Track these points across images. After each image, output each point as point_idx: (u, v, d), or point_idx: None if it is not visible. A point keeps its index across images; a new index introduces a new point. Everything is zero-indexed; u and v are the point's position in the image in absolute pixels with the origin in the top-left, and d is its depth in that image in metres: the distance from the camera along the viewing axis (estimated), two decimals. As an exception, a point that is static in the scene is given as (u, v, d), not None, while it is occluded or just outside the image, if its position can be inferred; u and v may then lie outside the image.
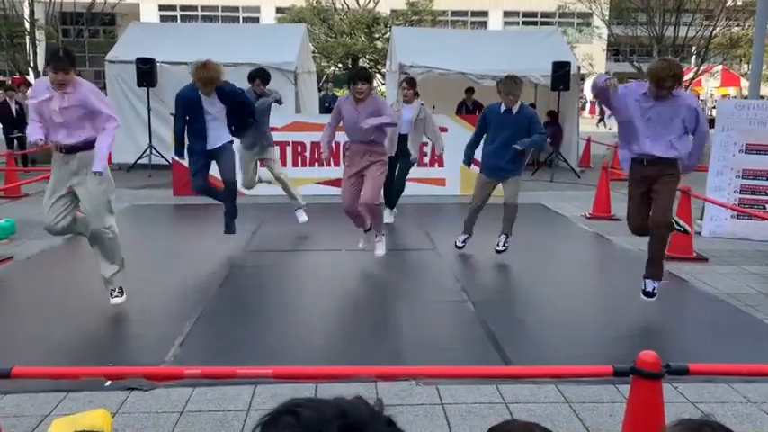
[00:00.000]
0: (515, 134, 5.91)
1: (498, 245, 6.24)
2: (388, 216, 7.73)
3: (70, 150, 4.52)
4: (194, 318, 4.62)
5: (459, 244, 6.45)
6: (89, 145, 4.53)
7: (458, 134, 10.20)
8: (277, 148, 8.05)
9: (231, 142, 6.48)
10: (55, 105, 4.37)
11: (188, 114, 6.16)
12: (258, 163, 7.63)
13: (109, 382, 3.50)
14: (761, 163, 7.42)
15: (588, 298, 5.41)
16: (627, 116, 4.73)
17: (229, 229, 6.66)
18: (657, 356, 2.45)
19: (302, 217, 7.68)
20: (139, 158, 11.88)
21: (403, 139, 7.51)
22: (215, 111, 6.15)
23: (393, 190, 7.83)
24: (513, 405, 3.39)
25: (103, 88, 13.74)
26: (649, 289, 4.90)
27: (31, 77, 14.56)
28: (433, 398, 3.45)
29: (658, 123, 4.66)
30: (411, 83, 7.71)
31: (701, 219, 7.77)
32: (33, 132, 4.52)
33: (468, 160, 6.39)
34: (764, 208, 7.41)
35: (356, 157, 5.76)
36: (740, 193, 7.53)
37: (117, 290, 4.79)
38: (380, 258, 6.02)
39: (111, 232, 4.74)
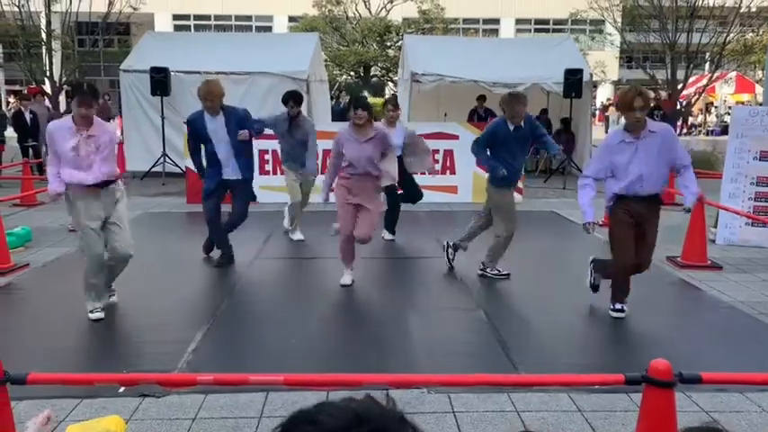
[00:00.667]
0: (526, 145, 6.04)
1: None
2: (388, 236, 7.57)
3: (98, 186, 4.58)
4: (207, 325, 4.65)
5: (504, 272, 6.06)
6: (113, 179, 4.65)
7: (469, 142, 10.14)
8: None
9: (250, 179, 6.32)
10: (82, 150, 4.42)
11: (195, 136, 6.13)
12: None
13: (123, 389, 3.53)
14: (775, 170, 7.37)
15: (600, 306, 5.38)
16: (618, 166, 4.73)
17: (221, 262, 6.33)
18: (669, 365, 2.43)
19: (297, 235, 7.53)
20: (153, 166, 11.98)
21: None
22: (222, 132, 5.98)
23: (409, 197, 7.57)
24: (525, 413, 3.38)
25: (118, 97, 13.90)
26: (619, 307, 4.96)
27: (46, 87, 14.74)
28: (445, 406, 3.45)
29: (647, 159, 4.63)
30: (397, 103, 7.41)
31: (716, 226, 7.71)
32: (53, 182, 4.59)
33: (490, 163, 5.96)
34: (779, 215, 7.34)
35: (356, 187, 5.47)
36: (755, 201, 7.47)
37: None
38: (390, 266, 6.03)
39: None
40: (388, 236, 7.51)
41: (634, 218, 4.77)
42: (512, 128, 5.71)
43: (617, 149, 4.70)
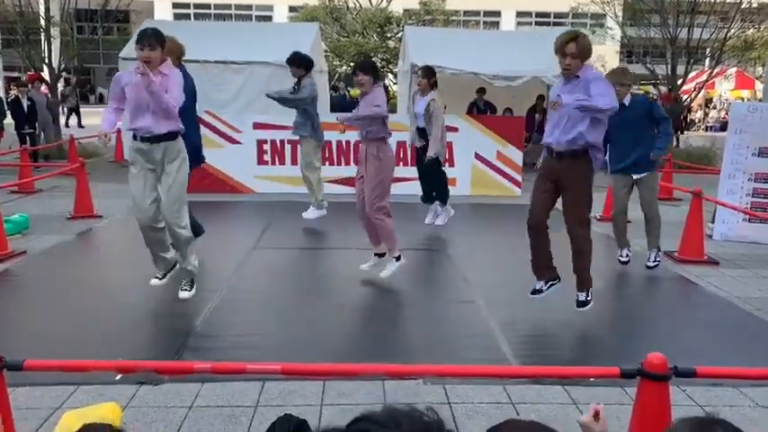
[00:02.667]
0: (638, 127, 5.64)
1: (649, 260, 6.06)
2: (442, 216, 7.60)
3: (155, 140, 4.46)
4: (204, 313, 4.66)
5: (624, 259, 6.14)
6: (173, 135, 4.51)
7: (468, 134, 10.21)
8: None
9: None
10: (142, 87, 4.28)
11: None
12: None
13: (119, 376, 3.54)
14: (774, 166, 7.37)
15: (597, 299, 5.40)
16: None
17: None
18: (665, 358, 2.44)
19: (311, 214, 7.65)
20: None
21: (421, 132, 7.21)
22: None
23: (429, 190, 7.53)
24: (520, 405, 3.39)
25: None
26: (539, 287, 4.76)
27: (45, 74, 14.67)
28: (440, 397, 3.46)
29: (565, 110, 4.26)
30: (426, 72, 7.17)
31: (713, 222, 7.72)
32: (107, 120, 4.55)
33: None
34: (777, 212, 7.35)
35: (361, 156, 5.52)
36: (752, 197, 7.49)
37: (186, 282, 4.91)
38: (389, 259, 5.99)
39: (188, 231, 4.72)
40: (441, 218, 7.59)
41: (550, 177, 4.50)
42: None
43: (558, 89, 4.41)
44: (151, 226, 4.61)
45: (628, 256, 6.16)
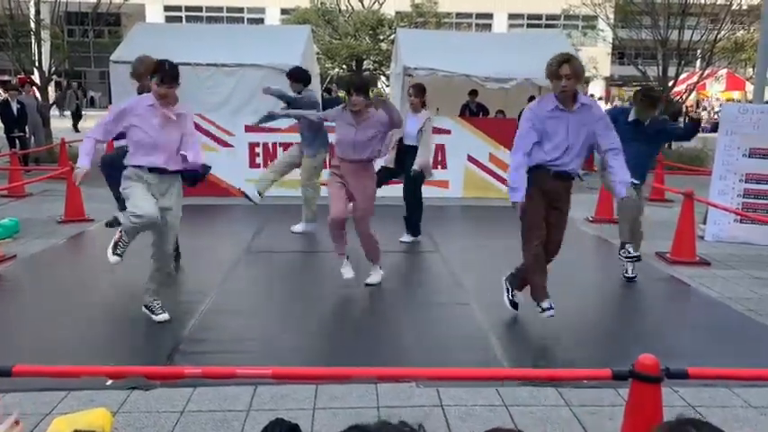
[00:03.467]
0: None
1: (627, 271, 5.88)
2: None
3: (166, 174, 4.36)
4: (195, 318, 4.64)
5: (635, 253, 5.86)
6: (180, 171, 4.44)
7: (460, 136, 10.23)
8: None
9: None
10: (166, 127, 4.23)
11: None
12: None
13: (110, 382, 3.51)
14: (764, 167, 7.42)
15: (590, 301, 5.41)
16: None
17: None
18: (656, 360, 2.44)
19: (299, 228, 7.50)
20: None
21: (409, 150, 6.83)
22: None
23: (409, 209, 7.16)
24: (513, 408, 3.39)
25: (108, 88, 13.80)
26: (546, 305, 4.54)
27: (35, 77, 14.61)
28: (433, 400, 3.45)
29: (572, 134, 4.32)
30: (418, 91, 6.89)
31: (705, 223, 7.76)
32: (87, 152, 4.26)
33: None
34: (768, 212, 7.39)
35: (351, 171, 5.26)
36: (743, 197, 7.53)
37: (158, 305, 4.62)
38: (383, 260, 5.98)
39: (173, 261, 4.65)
40: (406, 238, 7.17)
41: (547, 198, 4.43)
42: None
43: (547, 116, 4.33)
44: (153, 223, 4.33)
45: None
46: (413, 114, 6.84)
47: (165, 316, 4.55)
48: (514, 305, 4.78)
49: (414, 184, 7.02)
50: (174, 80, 4.26)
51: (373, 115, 5.14)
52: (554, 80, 4.29)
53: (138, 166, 4.32)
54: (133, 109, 4.29)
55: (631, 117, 5.63)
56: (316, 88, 15.73)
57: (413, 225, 7.18)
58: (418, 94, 6.86)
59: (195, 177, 4.60)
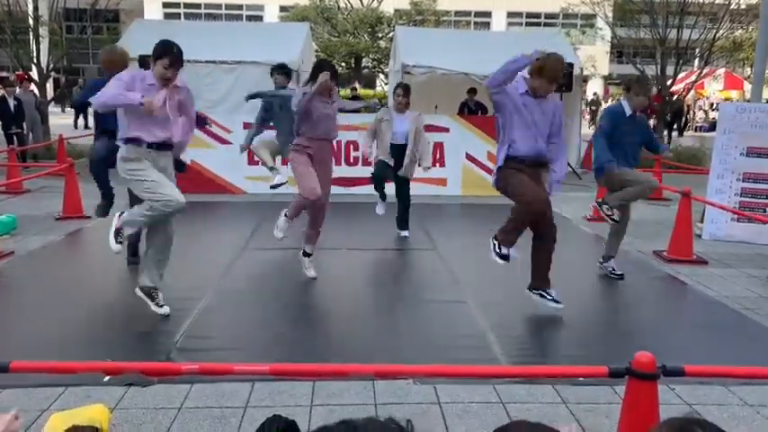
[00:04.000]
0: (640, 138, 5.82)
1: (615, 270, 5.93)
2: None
3: (164, 147, 4.40)
4: (193, 314, 4.64)
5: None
6: (171, 144, 4.47)
7: (459, 134, 10.24)
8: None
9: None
10: (160, 99, 4.21)
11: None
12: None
13: (107, 378, 3.52)
14: (762, 166, 7.43)
15: (587, 299, 5.42)
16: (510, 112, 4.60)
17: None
18: (653, 357, 2.45)
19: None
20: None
21: (398, 149, 6.85)
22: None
23: (400, 209, 7.24)
24: (510, 405, 3.40)
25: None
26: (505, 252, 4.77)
27: (33, 73, 14.57)
28: (431, 397, 3.46)
29: (541, 123, 4.60)
30: (407, 91, 6.97)
31: (702, 221, 7.77)
32: (124, 94, 4.16)
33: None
34: (765, 211, 7.41)
35: (321, 154, 5.44)
36: (741, 196, 7.54)
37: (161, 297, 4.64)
38: (379, 257, 6.02)
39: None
40: (406, 233, 7.29)
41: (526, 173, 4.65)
42: (628, 114, 5.69)
43: (520, 99, 4.59)
44: (183, 208, 4.39)
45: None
46: (399, 114, 6.88)
47: (166, 309, 4.56)
48: (504, 257, 4.78)
49: (407, 183, 7.15)
50: (181, 64, 4.30)
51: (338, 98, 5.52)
52: (546, 83, 4.62)
53: (137, 141, 4.28)
54: (139, 80, 4.25)
55: (628, 111, 5.66)
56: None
57: (406, 220, 7.28)
58: (407, 95, 6.95)
59: (181, 164, 4.78)
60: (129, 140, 4.32)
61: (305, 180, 5.29)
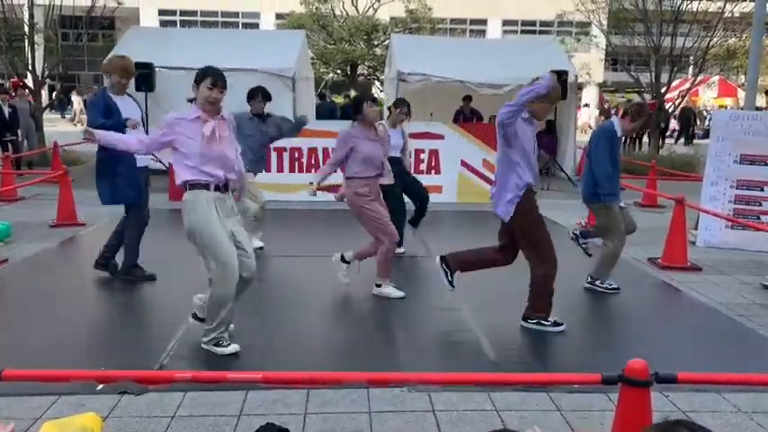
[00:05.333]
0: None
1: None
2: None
3: (228, 187, 4.04)
4: (187, 322, 4.62)
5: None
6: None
7: (454, 142, 10.27)
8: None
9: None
10: (211, 131, 3.86)
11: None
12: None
13: (100, 386, 3.50)
14: (755, 173, 7.46)
15: (581, 306, 5.42)
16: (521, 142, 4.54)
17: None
18: (646, 364, 2.45)
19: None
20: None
21: (394, 162, 6.66)
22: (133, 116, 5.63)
23: (420, 208, 7.30)
24: (505, 412, 3.40)
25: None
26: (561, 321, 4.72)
27: (29, 81, 14.56)
28: (425, 405, 3.45)
29: (533, 147, 4.63)
30: (404, 105, 7.00)
31: (696, 228, 7.79)
32: (115, 137, 4.11)
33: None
34: (759, 218, 7.44)
35: (375, 191, 5.49)
36: (735, 203, 7.57)
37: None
38: (374, 265, 5.96)
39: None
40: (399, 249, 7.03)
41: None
42: (620, 134, 5.68)
43: (522, 125, 4.53)
44: (241, 276, 4.06)
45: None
46: (392, 128, 6.84)
47: (235, 346, 4.11)
48: (558, 324, 4.66)
49: (416, 181, 7.38)
50: (224, 85, 3.92)
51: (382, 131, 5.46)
52: (548, 103, 4.66)
53: (197, 184, 3.88)
54: (180, 123, 3.91)
55: (619, 133, 5.57)
56: (310, 93, 15.79)
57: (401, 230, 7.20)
58: (410, 112, 7.05)
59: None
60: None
61: (387, 225, 5.32)
